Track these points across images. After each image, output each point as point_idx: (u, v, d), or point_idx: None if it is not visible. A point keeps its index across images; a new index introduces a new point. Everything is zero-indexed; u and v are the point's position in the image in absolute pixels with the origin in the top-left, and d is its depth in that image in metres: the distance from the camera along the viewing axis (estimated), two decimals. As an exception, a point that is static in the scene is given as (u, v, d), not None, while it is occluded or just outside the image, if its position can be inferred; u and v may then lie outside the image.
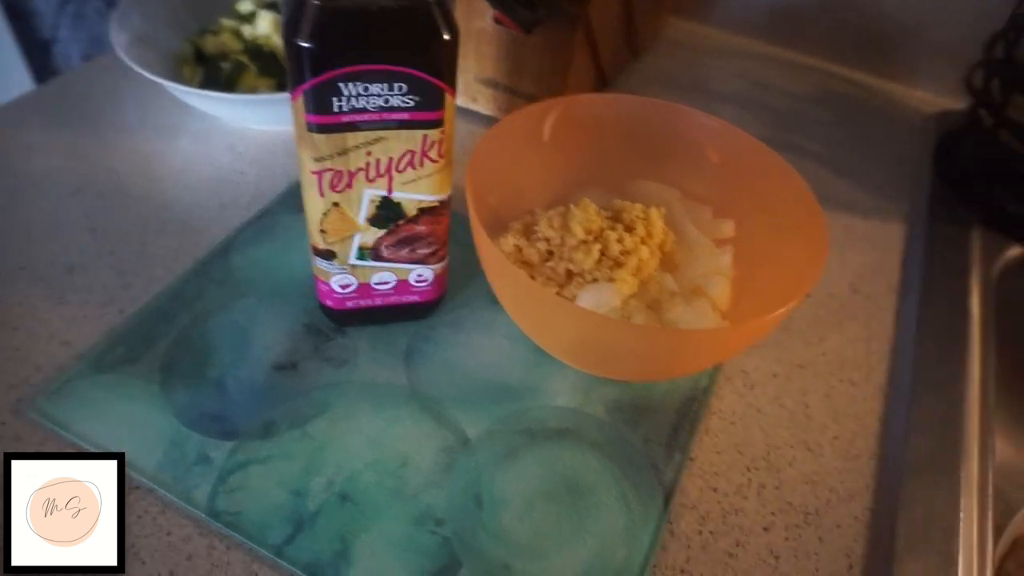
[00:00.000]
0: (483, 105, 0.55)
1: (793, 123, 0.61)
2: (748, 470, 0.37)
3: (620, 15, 0.57)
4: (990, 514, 0.36)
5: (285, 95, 0.47)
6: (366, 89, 0.29)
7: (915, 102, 0.66)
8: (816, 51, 0.69)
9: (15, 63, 1.26)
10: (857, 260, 0.49)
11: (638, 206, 0.39)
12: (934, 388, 0.41)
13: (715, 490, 0.36)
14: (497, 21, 0.51)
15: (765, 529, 0.34)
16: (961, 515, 0.35)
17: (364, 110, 0.30)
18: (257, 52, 0.53)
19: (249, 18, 0.55)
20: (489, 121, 0.55)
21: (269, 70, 0.52)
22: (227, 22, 0.55)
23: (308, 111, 0.30)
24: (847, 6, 0.66)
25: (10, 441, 0.34)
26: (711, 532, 0.34)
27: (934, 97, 0.66)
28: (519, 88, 0.53)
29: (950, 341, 0.44)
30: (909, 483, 0.36)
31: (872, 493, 0.36)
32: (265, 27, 0.54)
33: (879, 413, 0.40)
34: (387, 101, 0.30)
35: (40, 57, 1.30)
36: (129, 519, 0.32)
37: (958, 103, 0.64)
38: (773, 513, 0.35)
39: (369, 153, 0.31)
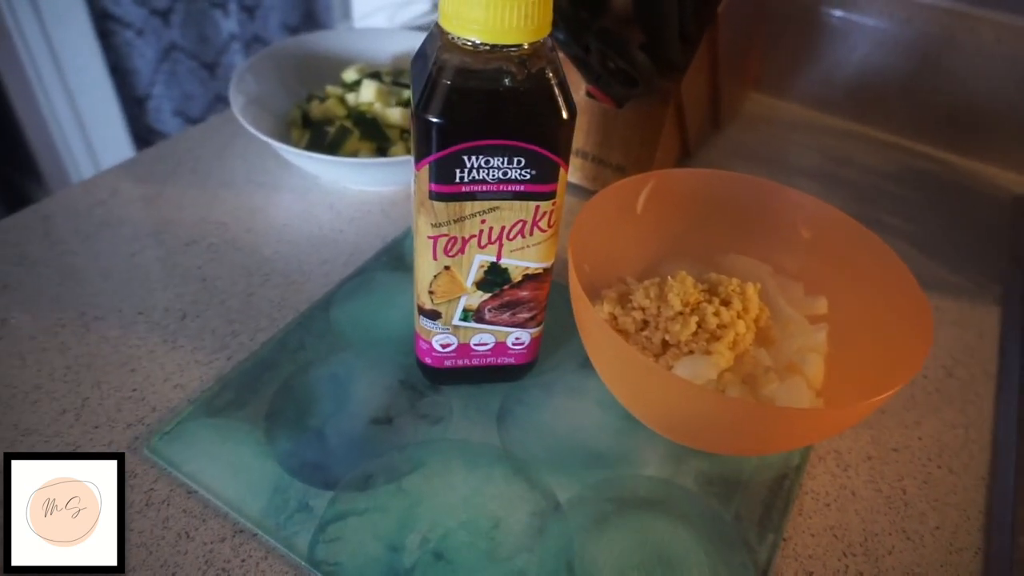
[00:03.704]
0: (571, 175, 0.57)
1: (875, 199, 0.61)
2: (844, 555, 0.36)
3: (707, 91, 0.59)
4: (1109, 621, 0.34)
5: (385, 160, 0.50)
6: (487, 162, 0.31)
7: (1003, 182, 0.65)
8: (898, 129, 0.70)
9: (114, 115, 1.36)
10: (950, 342, 0.48)
11: (735, 280, 0.39)
12: (1040, 481, 0.39)
13: (811, 574, 0.35)
14: (590, 95, 0.53)
15: (865, 620, 0.33)
16: (1077, 620, 0.34)
17: (484, 181, 0.32)
18: (360, 118, 0.56)
19: (354, 86, 0.59)
20: (577, 190, 0.57)
21: (370, 135, 0.55)
22: (333, 89, 0.59)
23: (432, 180, 0.31)
24: (930, 86, 0.66)
25: (128, 477, 0.35)
26: (808, 618, 0.33)
27: None
28: (607, 159, 0.55)
29: (1054, 432, 0.42)
30: (1019, 581, 0.35)
31: (978, 589, 0.35)
32: (368, 95, 0.57)
33: (982, 506, 0.39)
34: (505, 173, 0.32)
35: (135, 111, 1.40)
36: (233, 562, 0.33)
37: (1049, 185, 0.63)
38: (873, 603, 0.34)
39: (484, 221, 0.33)
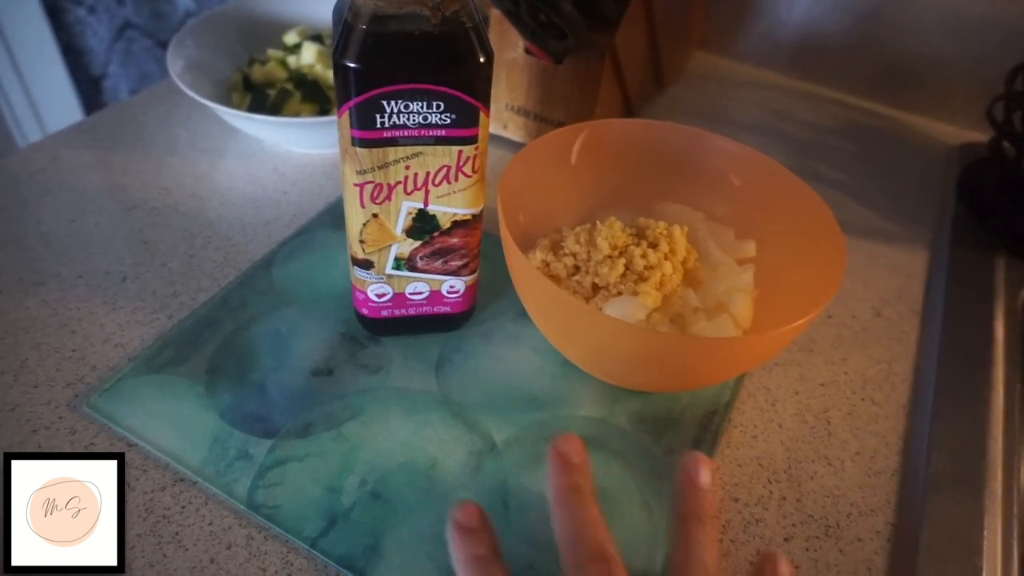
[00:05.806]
0: (513, 132, 0.58)
1: (815, 153, 0.63)
2: (769, 482, 0.37)
3: (646, 48, 0.60)
4: (1015, 532, 0.36)
5: (326, 119, 0.50)
6: (407, 107, 0.32)
7: (939, 134, 0.67)
8: (838, 84, 0.71)
9: (68, 97, 1.33)
10: (880, 285, 0.50)
11: (661, 224, 0.41)
12: (957, 408, 0.41)
13: (736, 500, 0.36)
14: (528, 52, 0.53)
15: (786, 539, 0.35)
16: (985, 532, 0.36)
17: (404, 126, 0.32)
18: (301, 80, 0.56)
19: (295, 49, 0.59)
20: (519, 147, 0.58)
21: (312, 97, 0.55)
22: (274, 52, 0.58)
23: (353, 126, 0.32)
24: (869, 42, 0.68)
25: (66, 434, 0.36)
26: (732, 541, 0.35)
27: (958, 130, 0.67)
28: (548, 116, 0.56)
29: (974, 364, 0.44)
30: (932, 500, 0.37)
31: (894, 508, 0.37)
32: (309, 57, 0.57)
33: (901, 431, 0.41)
34: (426, 118, 0.32)
35: (91, 92, 1.37)
36: (173, 509, 0.33)
37: (982, 135, 0.65)
38: (794, 525, 0.36)
39: (408, 167, 0.34)
